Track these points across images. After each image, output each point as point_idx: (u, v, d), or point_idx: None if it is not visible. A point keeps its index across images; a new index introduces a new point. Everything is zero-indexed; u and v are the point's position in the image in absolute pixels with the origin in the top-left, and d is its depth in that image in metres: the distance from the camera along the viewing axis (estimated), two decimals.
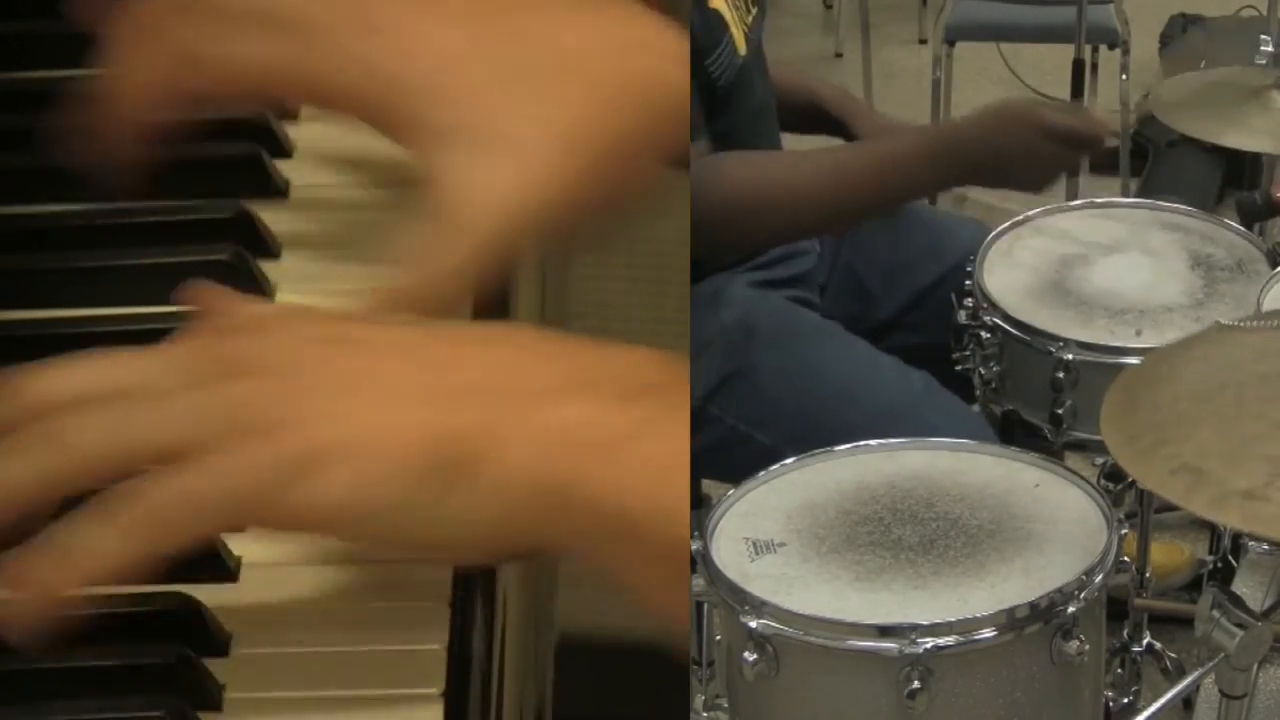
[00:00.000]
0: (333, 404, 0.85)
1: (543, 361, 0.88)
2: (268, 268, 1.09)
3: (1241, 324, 1.32)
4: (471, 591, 0.94)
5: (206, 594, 0.92)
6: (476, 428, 0.83)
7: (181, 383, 0.86)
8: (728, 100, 1.70)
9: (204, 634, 0.91)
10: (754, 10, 1.77)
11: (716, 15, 1.68)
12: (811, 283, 1.87)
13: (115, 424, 0.85)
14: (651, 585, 0.85)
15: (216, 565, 0.93)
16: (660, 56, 0.99)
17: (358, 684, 0.89)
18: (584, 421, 0.84)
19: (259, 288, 1.06)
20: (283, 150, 1.17)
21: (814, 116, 1.92)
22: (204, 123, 1.10)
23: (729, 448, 1.68)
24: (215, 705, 0.88)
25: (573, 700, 1.03)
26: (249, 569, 0.95)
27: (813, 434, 1.51)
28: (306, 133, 1.18)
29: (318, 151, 1.12)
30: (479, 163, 0.96)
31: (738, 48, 1.71)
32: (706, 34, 1.66)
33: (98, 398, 0.86)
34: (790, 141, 1.88)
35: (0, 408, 0.86)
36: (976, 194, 3.68)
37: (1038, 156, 1.63)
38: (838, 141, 1.88)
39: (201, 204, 1.09)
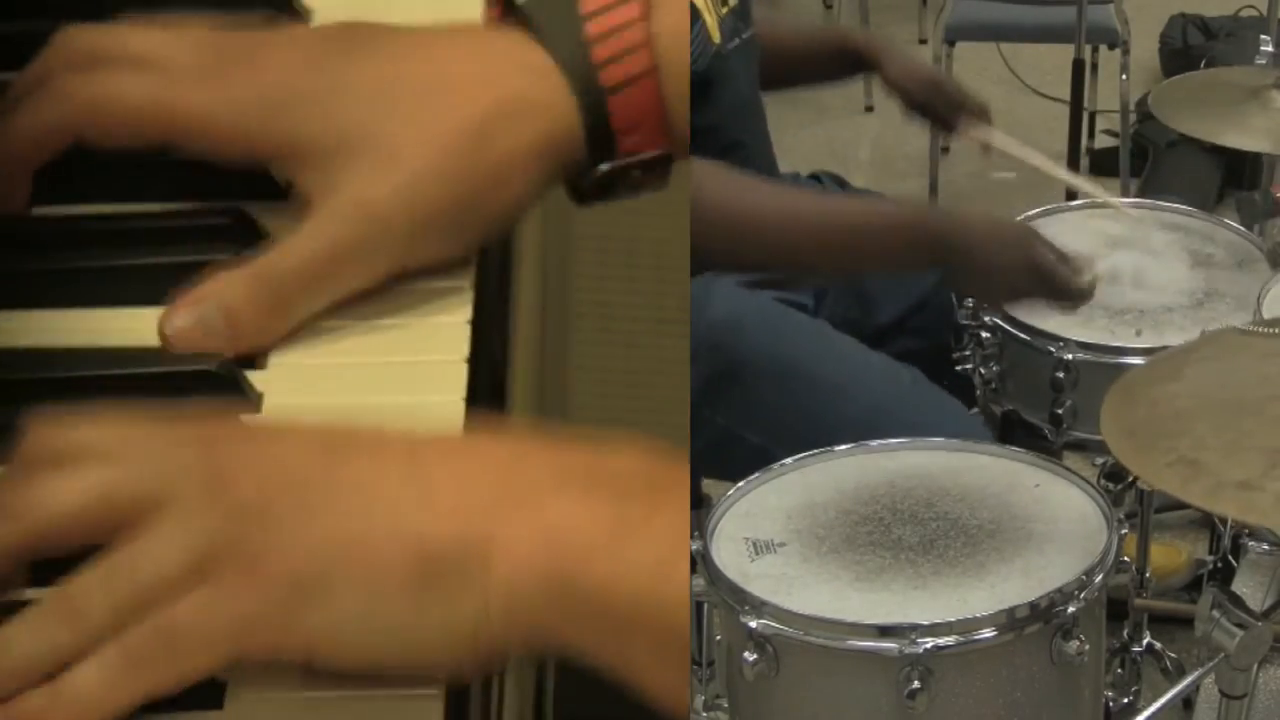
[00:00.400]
0: (323, 523, 0.85)
1: (533, 463, 0.88)
2: None
3: (1252, 329, 1.32)
4: None
5: None
6: (473, 535, 0.84)
7: (174, 500, 0.86)
8: (703, 91, 1.69)
9: None
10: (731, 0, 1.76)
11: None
12: (804, 289, 1.87)
13: (118, 585, 0.85)
14: (651, 675, 0.85)
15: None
16: (536, 75, 1.02)
17: (359, 683, 0.89)
18: (579, 520, 0.84)
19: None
20: None
21: (848, 61, 1.94)
22: None
23: (722, 448, 1.67)
24: (216, 704, 0.89)
25: (573, 700, 1.03)
26: None
27: (802, 432, 1.50)
28: None
29: None
30: (356, 172, 0.99)
31: (711, 35, 1.70)
32: None
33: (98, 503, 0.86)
34: (823, 91, 1.87)
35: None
36: (975, 197, 3.69)
37: (1010, 283, 1.55)
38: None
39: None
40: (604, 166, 1.05)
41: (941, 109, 1.88)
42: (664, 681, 0.84)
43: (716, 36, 1.70)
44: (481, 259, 1.12)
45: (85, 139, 1.04)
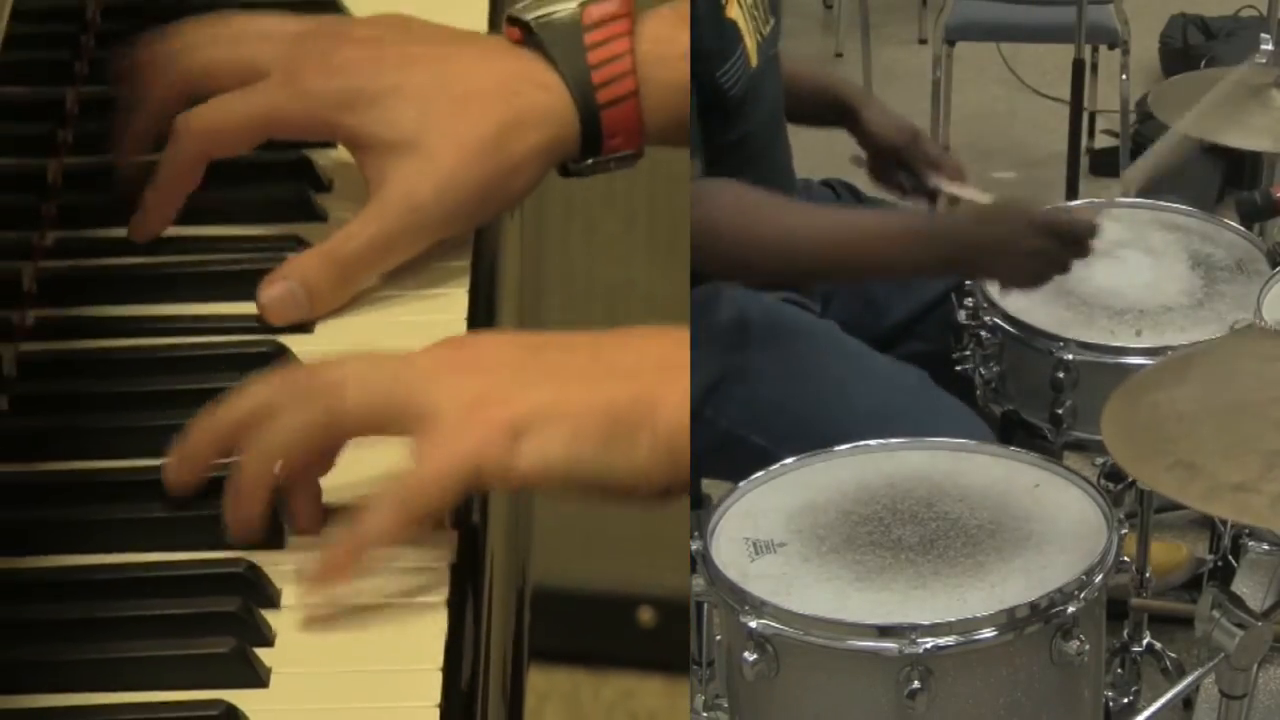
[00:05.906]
0: (531, 385, 1.09)
1: (669, 347, 1.13)
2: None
3: (1262, 325, 1.32)
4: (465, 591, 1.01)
5: None
6: (640, 397, 1.08)
7: (440, 415, 1.08)
8: (739, 110, 1.71)
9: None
10: (770, 21, 1.78)
11: (733, 26, 1.69)
12: (811, 291, 1.87)
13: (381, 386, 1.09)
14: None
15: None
16: (547, 92, 1.28)
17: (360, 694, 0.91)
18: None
19: None
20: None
21: (831, 111, 1.93)
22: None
23: (725, 450, 1.67)
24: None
25: (546, 634, 1.17)
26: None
27: (807, 435, 1.50)
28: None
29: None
30: (404, 167, 1.25)
31: (750, 59, 1.72)
32: (721, 45, 1.66)
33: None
34: (804, 134, 1.88)
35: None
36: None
37: (1023, 251, 1.60)
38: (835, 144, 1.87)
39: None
40: (590, 160, 1.31)
41: (918, 162, 1.87)
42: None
43: (755, 61, 1.72)
44: (476, 260, 1.22)
45: (211, 155, 1.27)
